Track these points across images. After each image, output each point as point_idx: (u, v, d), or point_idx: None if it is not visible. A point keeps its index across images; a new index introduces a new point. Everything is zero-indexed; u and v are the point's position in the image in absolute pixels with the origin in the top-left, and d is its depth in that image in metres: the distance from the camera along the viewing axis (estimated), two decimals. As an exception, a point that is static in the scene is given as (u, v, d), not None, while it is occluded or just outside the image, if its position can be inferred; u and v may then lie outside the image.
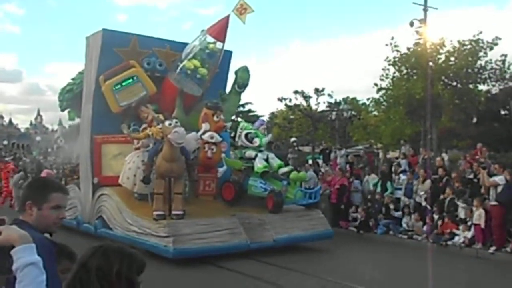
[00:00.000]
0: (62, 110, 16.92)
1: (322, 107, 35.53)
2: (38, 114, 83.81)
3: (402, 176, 16.35)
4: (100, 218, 13.72)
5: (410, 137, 25.18)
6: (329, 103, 36.55)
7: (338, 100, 36.88)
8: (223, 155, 13.95)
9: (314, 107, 34.55)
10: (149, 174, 12.32)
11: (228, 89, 15.82)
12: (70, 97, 16.41)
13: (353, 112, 33.67)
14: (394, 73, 23.30)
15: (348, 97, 37.53)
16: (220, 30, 14.17)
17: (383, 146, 29.53)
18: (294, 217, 13.08)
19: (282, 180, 13.27)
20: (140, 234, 12.03)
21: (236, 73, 15.03)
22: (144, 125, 13.39)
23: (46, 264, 2.32)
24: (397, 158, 21.25)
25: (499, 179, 12.40)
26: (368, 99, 28.79)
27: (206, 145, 13.16)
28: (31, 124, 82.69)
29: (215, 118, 13.36)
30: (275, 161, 13.65)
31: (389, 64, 22.98)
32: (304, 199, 13.27)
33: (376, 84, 23.81)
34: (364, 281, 9.69)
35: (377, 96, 24.97)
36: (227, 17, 14.02)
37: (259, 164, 13.21)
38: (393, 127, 24.66)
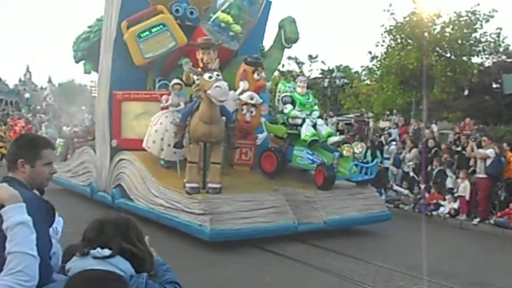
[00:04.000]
0: (77, 62, 14.42)
1: (315, 74, 35.71)
2: (27, 70, 78.32)
3: (392, 146, 15.80)
4: (119, 187, 11.58)
5: (401, 107, 24.60)
6: (322, 70, 36.43)
7: (331, 68, 36.51)
8: (263, 119, 11.54)
9: (307, 73, 34.57)
10: (182, 137, 9.95)
11: (266, 43, 13.36)
12: (86, 46, 13.92)
13: (345, 80, 33.22)
14: (390, 41, 22.53)
15: (341, 65, 37.23)
16: (264, -28, 11.70)
17: (374, 115, 28.78)
18: (346, 195, 10.78)
19: (334, 152, 10.89)
20: (168, 209, 9.88)
21: (281, 25, 12.49)
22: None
23: (36, 223, 2.34)
24: (389, 128, 20.40)
25: (489, 151, 11.98)
26: (361, 67, 28.27)
27: (244, 106, 10.84)
28: (20, 80, 76.12)
29: (255, 76, 10.99)
30: (324, 129, 11.32)
31: (385, 31, 22.03)
32: (360, 175, 10.90)
33: (370, 52, 23.16)
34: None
35: (370, 64, 24.43)
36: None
37: (306, 132, 10.85)
38: (385, 96, 24.78)
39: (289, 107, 11.32)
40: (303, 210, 10.10)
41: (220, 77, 9.28)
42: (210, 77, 9.10)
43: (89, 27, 14.13)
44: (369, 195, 11.04)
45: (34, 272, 2.26)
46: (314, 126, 11.15)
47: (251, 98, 10.83)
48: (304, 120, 11.07)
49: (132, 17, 11.79)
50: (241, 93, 10.88)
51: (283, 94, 11.61)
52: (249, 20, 12.41)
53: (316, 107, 11.69)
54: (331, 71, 35.07)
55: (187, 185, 9.59)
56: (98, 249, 2.21)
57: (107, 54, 12.15)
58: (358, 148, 11.19)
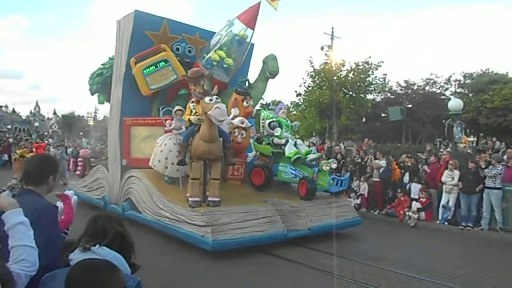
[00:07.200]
0: (92, 94, 15.10)
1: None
2: (37, 104, 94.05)
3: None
4: (128, 200, 12.15)
5: (319, 131, 32.50)
6: (261, 104, 39.79)
7: (267, 102, 42.31)
8: (251, 140, 12.44)
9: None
10: (185, 156, 10.53)
11: (250, 78, 14.20)
12: (100, 80, 14.62)
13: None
14: (310, 82, 29.20)
15: (275, 100, 45.02)
16: (251, 16, 12.46)
17: (299, 137, 34.25)
18: (324, 204, 11.60)
19: (314, 167, 11.93)
20: (173, 221, 10.26)
21: (265, 61, 13.31)
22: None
23: (49, 223, 2.90)
24: (309, 146, 23.51)
25: (382, 162, 15.49)
26: (291, 102, 34.32)
27: (236, 130, 11.64)
28: (30, 112, 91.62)
29: (244, 104, 11.87)
30: (303, 147, 12.30)
31: (307, 75, 28.92)
32: (336, 186, 11.91)
33: (296, 91, 30.55)
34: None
35: (296, 100, 31.38)
36: (258, 4, 12.45)
37: (290, 150, 11.78)
38: (307, 123, 32.00)
39: (279, 130, 12.23)
40: (290, 218, 10.63)
41: (219, 100, 9.74)
42: (210, 100, 9.56)
43: (102, 64, 14.83)
44: (342, 204, 11.88)
45: (35, 260, 2.52)
46: (295, 145, 12.18)
47: (242, 122, 11.57)
48: (287, 141, 12.07)
49: (139, 54, 12.47)
50: (233, 118, 11.60)
51: (269, 120, 12.52)
52: (237, 59, 13.09)
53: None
54: (267, 105, 38.71)
55: (190, 199, 9.98)
56: (98, 245, 2.47)
57: (118, 86, 12.76)
58: (334, 164, 12.23)
